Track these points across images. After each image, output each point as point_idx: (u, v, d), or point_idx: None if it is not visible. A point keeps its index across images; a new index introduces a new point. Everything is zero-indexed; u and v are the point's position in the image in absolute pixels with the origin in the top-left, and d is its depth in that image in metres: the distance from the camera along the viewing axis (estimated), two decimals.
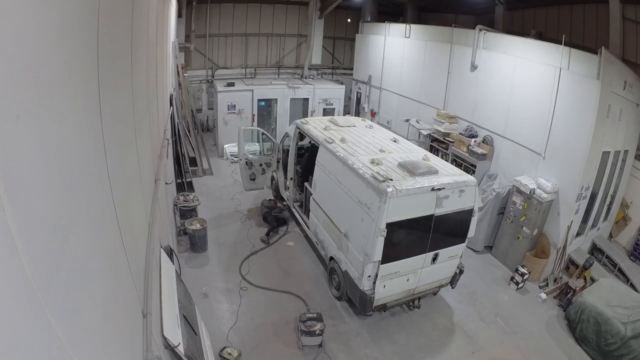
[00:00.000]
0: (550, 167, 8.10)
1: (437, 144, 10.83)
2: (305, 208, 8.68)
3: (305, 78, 15.62)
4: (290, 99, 13.72)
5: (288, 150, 9.14)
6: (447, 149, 10.40)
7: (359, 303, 6.34)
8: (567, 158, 7.76)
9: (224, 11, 14.75)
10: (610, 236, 9.39)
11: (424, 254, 6.30)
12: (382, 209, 5.61)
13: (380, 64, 14.23)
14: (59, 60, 1.54)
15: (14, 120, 1.13)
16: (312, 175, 7.86)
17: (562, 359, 6.40)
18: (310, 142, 8.67)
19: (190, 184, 10.26)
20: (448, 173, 6.43)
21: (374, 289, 6.13)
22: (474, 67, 10.14)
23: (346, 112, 15.67)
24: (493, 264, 8.74)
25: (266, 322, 6.52)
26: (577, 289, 7.29)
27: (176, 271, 4.86)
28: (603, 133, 7.51)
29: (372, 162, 6.52)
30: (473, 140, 9.71)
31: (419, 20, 15.15)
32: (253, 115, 13.39)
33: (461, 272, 6.95)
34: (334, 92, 14.55)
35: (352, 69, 16.47)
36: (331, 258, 7.20)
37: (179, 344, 3.31)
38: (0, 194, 1.03)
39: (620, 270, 8.28)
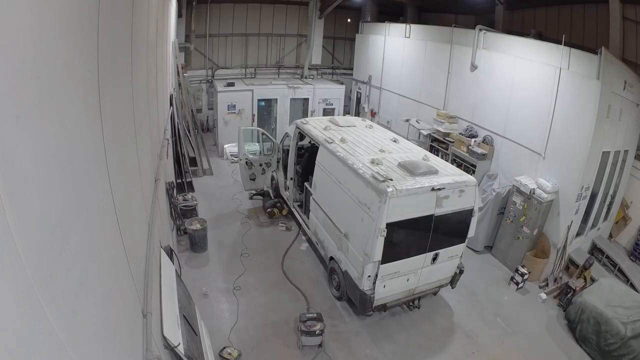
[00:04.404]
0: (550, 167, 8.10)
1: (437, 144, 10.82)
2: (305, 208, 8.68)
3: (305, 78, 15.61)
4: (290, 99, 13.72)
5: (288, 150, 9.14)
6: (447, 149, 10.40)
7: (359, 303, 6.34)
8: (567, 158, 7.75)
9: (224, 11, 14.75)
10: (610, 236, 9.39)
11: (424, 254, 6.30)
12: (382, 209, 5.61)
13: (380, 64, 14.23)
14: (59, 60, 1.54)
15: (14, 120, 1.13)
16: (312, 175, 7.86)
17: (562, 359, 6.40)
18: (310, 142, 8.67)
19: (190, 184, 10.26)
20: (448, 173, 6.42)
21: (374, 289, 6.13)
22: (474, 67, 10.14)
23: (346, 112, 15.67)
24: (493, 264, 8.74)
25: (266, 322, 6.52)
26: (577, 289, 7.29)
27: (176, 271, 4.86)
28: (603, 133, 7.51)
29: (372, 162, 6.52)
30: (473, 140, 9.71)
31: (419, 20, 15.15)
32: (253, 115, 13.39)
33: (461, 272, 6.95)
34: (334, 92, 14.54)
35: (352, 69, 16.47)
36: (331, 258, 7.20)
37: (179, 344, 3.31)
38: (0, 194, 1.03)
39: (620, 270, 8.29)
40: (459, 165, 9.09)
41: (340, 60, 17.64)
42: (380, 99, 14.47)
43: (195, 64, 14.82)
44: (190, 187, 10.12)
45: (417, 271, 6.39)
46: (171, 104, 8.67)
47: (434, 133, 10.85)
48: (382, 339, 6.41)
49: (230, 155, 12.91)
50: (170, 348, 3.27)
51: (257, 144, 10.63)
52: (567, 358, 6.41)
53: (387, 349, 6.22)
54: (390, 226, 5.72)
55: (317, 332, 5.88)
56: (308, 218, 8.37)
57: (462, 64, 10.52)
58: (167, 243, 5.23)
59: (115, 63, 2.63)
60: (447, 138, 10.43)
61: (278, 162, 9.78)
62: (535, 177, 8.26)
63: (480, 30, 9.86)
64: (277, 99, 13.63)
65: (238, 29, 15.23)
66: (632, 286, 7.64)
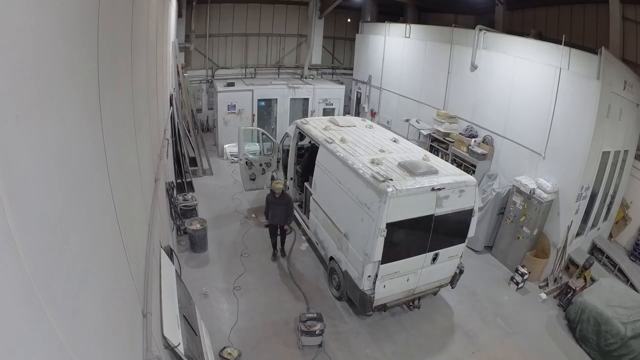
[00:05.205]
0: (550, 167, 8.10)
1: (437, 144, 10.82)
2: (305, 208, 8.68)
3: (305, 78, 15.62)
4: (290, 99, 13.72)
5: (288, 150, 9.14)
6: (447, 149, 10.40)
7: (359, 303, 6.34)
8: (567, 158, 7.75)
9: (224, 11, 14.75)
10: (610, 236, 9.39)
11: (424, 254, 6.30)
12: (382, 209, 5.61)
13: (380, 64, 14.23)
14: (59, 60, 1.54)
15: (14, 120, 1.13)
16: (312, 175, 7.86)
17: (562, 359, 6.40)
18: (310, 142, 8.67)
19: (190, 184, 10.26)
20: (448, 173, 6.42)
21: (374, 289, 6.13)
22: (474, 67, 10.13)
23: (346, 112, 15.67)
24: (493, 264, 8.74)
25: (266, 322, 6.52)
26: (577, 289, 7.29)
27: (176, 271, 4.86)
28: (603, 133, 7.51)
29: (372, 162, 6.52)
30: (473, 140, 9.71)
31: (419, 20, 15.15)
32: (253, 115, 13.39)
33: (461, 272, 6.95)
34: (334, 92, 14.55)
35: (352, 69, 16.47)
36: (331, 258, 7.20)
37: (179, 344, 3.31)
38: (0, 194, 1.03)
39: (620, 270, 8.29)
40: (459, 165, 9.09)
41: (340, 60, 17.64)
42: (380, 99, 14.47)
43: (195, 64, 14.82)
44: (190, 187, 10.13)
45: (417, 271, 6.39)
46: (171, 104, 8.67)
47: (434, 133, 10.84)
48: (382, 339, 6.41)
49: (230, 155, 12.91)
50: (170, 348, 3.26)
51: (257, 144, 10.63)
52: (567, 358, 6.41)
53: (387, 349, 6.22)
54: (390, 226, 5.72)
55: (317, 332, 5.88)
56: (308, 218, 8.37)
57: (462, 64, 10.52)
58: (167, 243, 5.23)
59: (115, 63, 2.63)
60: (447, 138, 10.43)
61: (278, 162, 9.78)
62: (535, 177, 8.26)
63: (480, 30, 9.86)
64: (277, 99, 13.63)
65: (238, 29, 15.23)
66: (632, 286, 7.64)
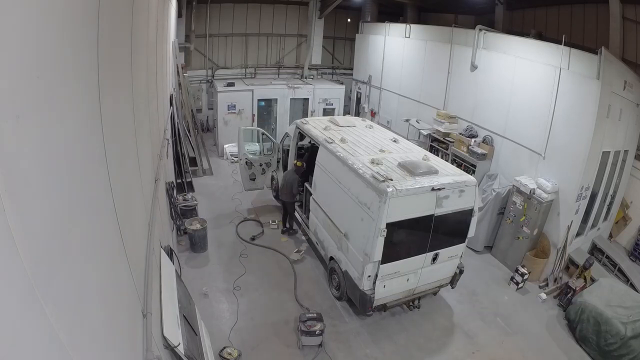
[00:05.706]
0: (550, 167, 8.10)
1: (437, 144, 10.82)
2: (305, 208, 8.68)
3: (305, 78, 15.62)
4: (290, 99, 13.72)
5: (288, 150, 9.14)
6: (447, 149, 10.40)
7: (359, 303, 6.34)
8: (567, 158, 7.76)
9: (224, 11, 14.76)
10: (610, 236, 9.39)
11: (424, 254, 6.30)
12: (382, 209, 5.61)
13: (380, 64, 14.23)
14: (59, 60, 1.54)
15: (14, 120, 1.13)
16: (312, 175, 7.86)
17: (562, 359, 6.40)
18: (310, 142, 8.67)
19: (190, 184, 10.26)
20: (448, 173, 6.42)
21: (374, 289, 6.13)
22: (474, 67, 10.13)
23: (346, 112, 15.67)
24: (493, 264, 8.74)
25: (266, 322, 6.52)
26: (577, 289, 7.29)
27: (176, 271, 4.86)
28: (603, 133, 7.51)
29: (372, 162, 6.52)
30: (473, 140, 9.71)
31: (419, 20, 15.15)
32: (253, 115, 13.40)
33: (461, 272, 6.95)
34: (334, 92, 14.55)
35: (352, 69, 16.47)
36: (331, 258, 7.20)
37: (179, 344, 3.31)
38: (1, 194, 1.03)
39: (620, 270, 8.29)
40: (459, 165, 9.09)
41: (340, 60, 17.64)
42: (380, 99, 14.47)
43: (195, 64, 14.82)
44: (190, 187, 10.12)
45: (417, 271, 6.39)
46: (171, 104, 8.67)
47: (434, 133, 10.84)
48: (382, 339, 6.41)
49: (230, 155, 12.91)
50: (170, 348, 3.27)
51: (257, 144, 10.63)
52: (567, 358, 6.41)
53: (387, 349, 6.22)
54: (390, 226, 5.72)
55: (317, 332, 5.88)
56: (308, 218, 8.37)
57: (462, 64, 10.52)
58: (167, 243, 5.23)
59: (115, 63, 2.63)
60: (447, 138, 10.43)
61: (278, 162, 9.78)
62: (535, 177, 8.26)
63: (480, 30, 9.86)
64: (277, 99, 13.63)
65: (238, 29, 15.23)
66: (632, 286, 7.65)
